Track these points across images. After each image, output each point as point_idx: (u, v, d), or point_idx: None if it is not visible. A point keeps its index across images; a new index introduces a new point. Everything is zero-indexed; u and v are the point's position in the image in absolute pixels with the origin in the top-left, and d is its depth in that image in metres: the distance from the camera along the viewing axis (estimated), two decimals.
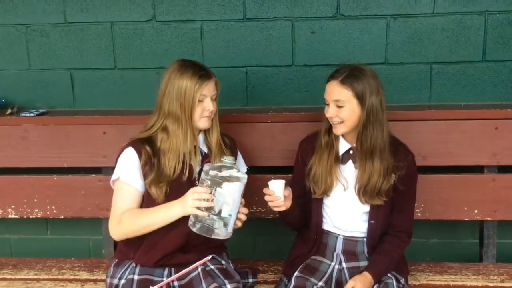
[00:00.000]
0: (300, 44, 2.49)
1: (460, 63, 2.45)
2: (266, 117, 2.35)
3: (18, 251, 2.84)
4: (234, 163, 1.78)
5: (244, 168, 2.12)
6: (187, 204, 1.74)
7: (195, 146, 1.93)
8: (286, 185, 1.87)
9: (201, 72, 1.88)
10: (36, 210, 2.45)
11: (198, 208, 1.72)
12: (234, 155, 2.02)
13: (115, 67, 2.58)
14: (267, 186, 1.85)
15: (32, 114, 2.46)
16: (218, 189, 1.72)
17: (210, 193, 1.72)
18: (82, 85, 2.61)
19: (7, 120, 2.43)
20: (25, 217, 2.47)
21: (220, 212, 1.72)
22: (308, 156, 2.04)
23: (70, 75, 2.61)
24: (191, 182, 1.90)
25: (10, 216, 2.47)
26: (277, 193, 1.85)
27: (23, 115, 2.46)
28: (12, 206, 2.46)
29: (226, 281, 1.87)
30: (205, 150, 1.99)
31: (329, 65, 2.46)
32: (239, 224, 1.81)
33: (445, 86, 2.48)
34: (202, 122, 1.90)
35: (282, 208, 1.88)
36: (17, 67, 2.62)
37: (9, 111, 2.51)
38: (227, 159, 1.77)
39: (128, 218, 1.87)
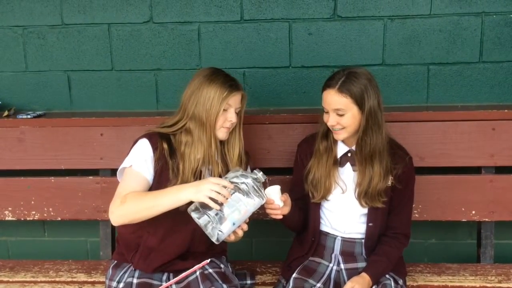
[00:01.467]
0: (297, 46, 2.49)
1: (457, 64, 2.46)
2: (263, 118, 2.35)
3: (15, 253, 2.83)
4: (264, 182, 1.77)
5: None
6: (202, 191, 1.66)
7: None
8: (285, 188, 1.85)
9: (231, 82, 1.89)
10: (33, 212, 2.44)
11: (212, 199, 1.66)
12: (245, 169, 2.02)
13: (112, 68, 2.58)
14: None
15: (29, 116, 2.45)
16: (238, 194, 1.70)
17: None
18: (79, 87, 2.61)
19: (4, 122, 2.42)
20: (22, 219, 2.46)
21: (227, 215, 1.68)
22: (307, 157, 2.04)
23: (67, 77, 2.60)
24: None
25: (7, 218, 2.46)
26: (277, 201, 1.83)
27: (20, 117, 2.45)
28: (9, 208, 2.45)
29: (224, 285, 1.85)
30: (219, 159, 1.98)
31: (326, 66, 2.47)
32: (232, 237, 1.78)
33: (442, 87, 2.48)
34: (221, 132, 1.90)
35: (280, 216, 1.87)
36: (14, 69, 2.61)
37: (6, 113, 2.50)
38: (263, 176, 1.76)
39: (132, 198, 1.78)
